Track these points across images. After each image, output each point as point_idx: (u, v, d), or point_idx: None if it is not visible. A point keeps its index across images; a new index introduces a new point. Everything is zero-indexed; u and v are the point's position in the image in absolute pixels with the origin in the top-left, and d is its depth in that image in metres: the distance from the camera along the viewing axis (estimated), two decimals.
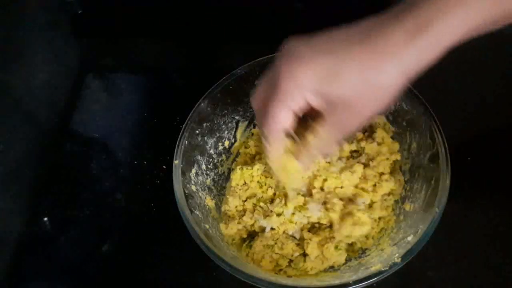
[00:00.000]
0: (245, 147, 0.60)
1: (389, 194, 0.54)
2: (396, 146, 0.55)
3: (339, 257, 0.51)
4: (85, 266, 0.57)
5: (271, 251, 0.52)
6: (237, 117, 0.59)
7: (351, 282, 0.44)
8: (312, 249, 0.51)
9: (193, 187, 0.53)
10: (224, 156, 0.59)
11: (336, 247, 0.51)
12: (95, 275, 0.56)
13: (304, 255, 0.52)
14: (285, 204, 0.53)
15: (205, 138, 0.57)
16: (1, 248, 0.59)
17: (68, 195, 0.62)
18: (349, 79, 0.38)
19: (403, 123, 0.55)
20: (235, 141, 0.60)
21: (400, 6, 0.38)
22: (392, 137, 0.56)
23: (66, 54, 0.77)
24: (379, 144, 0.56)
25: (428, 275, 0.52)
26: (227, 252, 0.50)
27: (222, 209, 0.55)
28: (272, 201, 0.54)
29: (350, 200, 0.53)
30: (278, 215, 0.52)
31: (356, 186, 0.53)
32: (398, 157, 0.55)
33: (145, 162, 0.63)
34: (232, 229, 0.53)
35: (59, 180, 0.63)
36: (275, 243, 0.52)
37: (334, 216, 0.51)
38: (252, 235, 0.54)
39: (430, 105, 0.51)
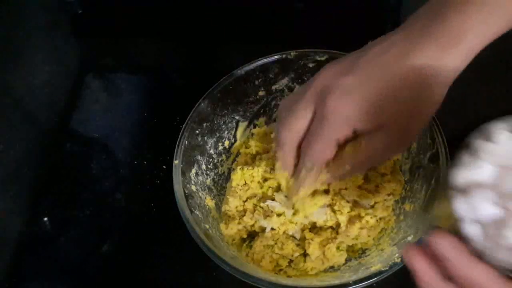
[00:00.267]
0: (245, 147, 0.60)
1: (389, 194, 0.54)
2: None
3: (340, 257, 0.51)
4: (85, 266, 0.57)
5: (271, 251, 0.52)
6: (237, 117, 0.59)
7: (351, 282, 0.44)
8: (313, 249, 0.51)
9: (193, 187, 0.53)
10: (224, 156, 0.59)
11: (337, 248, 0.51)
12: (95, 275, 0.56)
13: (304, 255, 0.52)
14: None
15: (205, 138, 0.57)
16: (1, 248, 0.59)
17: (68, 195, 0.62)
18: (399, 102, 0.39)
19: None
20: (235, 141, 0.60)
21: (426, 19, 0.38)
22: None
23: (66, 54, 0.77)
24: None
25: None
26: (227, 252, 0.50)
27: (222, 209, 0.55)
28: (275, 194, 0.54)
29: (355, 202, 0.53)
30: (279, 215, 0.52)
31: (360, 187, 0.53)
32: (398, 157, 0.55)
33: (145, 162, 0.63)
34: (232, 229, 0.53)
35: (59, 180, 0.63)
36: (275, 243, 0.52)
37: (342, 218, 0.51)
38: (252, 235, 0.54)
39: None
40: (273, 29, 0.70)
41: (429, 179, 0.50)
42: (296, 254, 0.52)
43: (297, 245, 0.52)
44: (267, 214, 0.53)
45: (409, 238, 0.47)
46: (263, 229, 0.53)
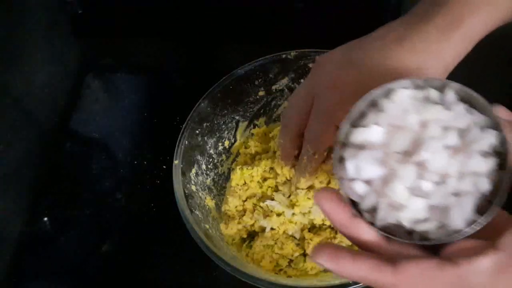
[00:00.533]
0: (245, 147, 0.60)
1: None
2: None
3: None
4: (85, 266, 0.57)
5: (271, 251, 0.52)
6: (237, 117, 0.59)
7: (351, 282, 0.44)
8: None
9: (193, 187, 0.53)
10: (224, 156, 0.59)
11: None
12: (95, 275, 0.56)
13: (304, 255, 0.52)
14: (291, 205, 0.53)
15: (205, 138, 0.57)
16: (1, 248, 0.59)
17: (68, 195, 0.62)
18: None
19: None
20: (235, 141, 0.60)
21: (425, 6, 0.38)
22: None
23: (66, 54, 0.77)
24: None
25: None
26: (227, 252, 0.50)
27: (222, 209, 0.55)
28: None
29: None
30: (278, 215, 0.53)
31: None
32: None
33: (145, 162, 0.63)
34: (232, 229, 0.53)
35: (59, 180, 0.63)
36: (275, 243, 0.52)
37: None
38: (252, 235, 0.54)
39: None
40: (273, 29, 0.70)
41: None
42: (296, 254, 0.52)
43: (297, 245, 0.52)
44: (266, 214, 0.53)
45: None
46: (263, 229, 0.53)
